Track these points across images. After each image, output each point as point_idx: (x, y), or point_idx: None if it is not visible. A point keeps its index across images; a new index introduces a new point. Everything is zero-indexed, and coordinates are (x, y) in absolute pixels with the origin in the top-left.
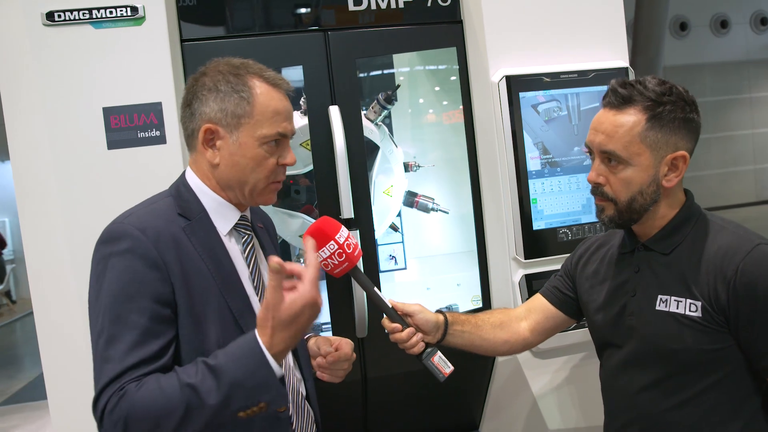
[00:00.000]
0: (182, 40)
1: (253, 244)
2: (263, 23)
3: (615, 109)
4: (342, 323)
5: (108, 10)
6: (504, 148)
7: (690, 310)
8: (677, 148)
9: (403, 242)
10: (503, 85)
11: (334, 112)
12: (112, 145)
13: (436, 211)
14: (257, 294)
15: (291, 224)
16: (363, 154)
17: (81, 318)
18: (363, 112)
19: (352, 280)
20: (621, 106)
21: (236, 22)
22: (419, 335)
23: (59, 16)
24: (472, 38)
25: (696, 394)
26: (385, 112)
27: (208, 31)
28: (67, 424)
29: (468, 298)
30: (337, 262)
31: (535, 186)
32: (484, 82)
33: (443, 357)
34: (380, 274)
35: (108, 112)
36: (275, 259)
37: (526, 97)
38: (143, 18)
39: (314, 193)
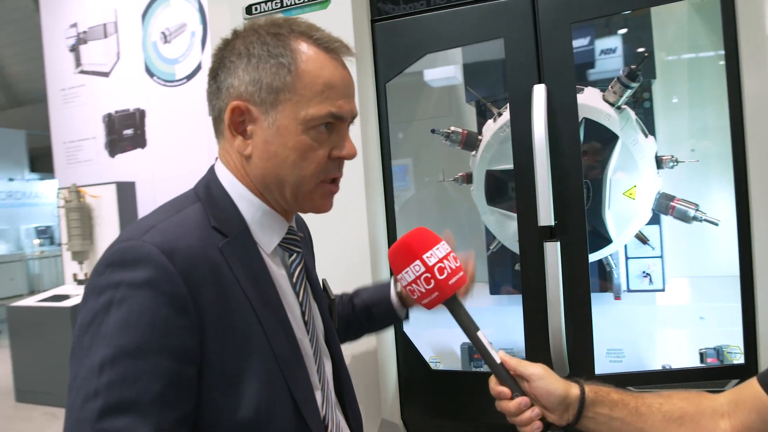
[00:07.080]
0: (372, 20)
1: (302, 266)
2: None
3: None
4: (538, 354)
5: None
6: None
7: None
8: None
9: (662, 257)
10: None
11: (538, 91)
12: None
13: (700, 220)
14: (308, 334)
15: (509, 227)
16: (577, 144)
17: None
18: (601, 95)
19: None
20: None
21: None
22: (536, 410)
23: (256, 8)
24: None
25: None
26: (628, 92)
27: (400, 8)
28: None
29: None
30: (424, 290)
31: None
32: (758, 41)
33: None
34: (629, 294)
35: None
36: None
37: None
38: (328, 1)
39: None
